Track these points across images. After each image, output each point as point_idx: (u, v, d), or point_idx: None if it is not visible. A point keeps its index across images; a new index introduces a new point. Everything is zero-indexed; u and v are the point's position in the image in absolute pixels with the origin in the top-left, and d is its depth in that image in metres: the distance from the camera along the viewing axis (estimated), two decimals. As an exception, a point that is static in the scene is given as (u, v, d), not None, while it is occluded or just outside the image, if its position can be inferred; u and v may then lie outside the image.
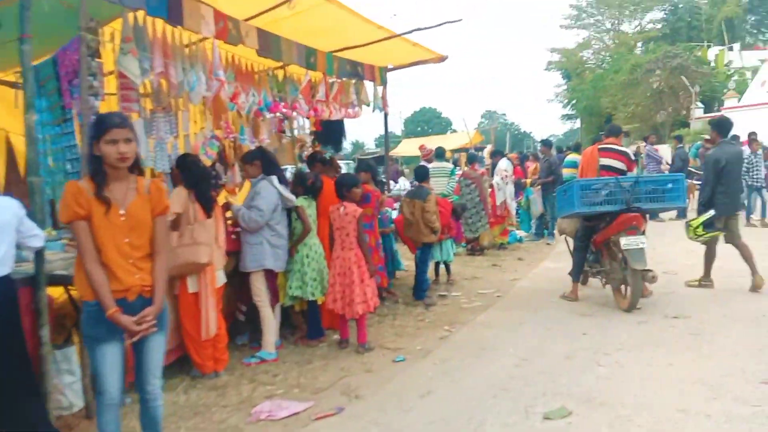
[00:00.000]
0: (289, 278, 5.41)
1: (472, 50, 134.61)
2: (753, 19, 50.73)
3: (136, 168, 2.95)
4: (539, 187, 11.34)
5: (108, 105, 4.93)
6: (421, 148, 11.10)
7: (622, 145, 6.57)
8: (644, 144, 14.38)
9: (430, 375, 4.58)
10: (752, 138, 11.53)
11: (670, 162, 14.29)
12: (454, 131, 45.53)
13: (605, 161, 6.33)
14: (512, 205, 10.56)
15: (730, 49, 42.64)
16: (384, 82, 8.04)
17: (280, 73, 6.54)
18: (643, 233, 5.95)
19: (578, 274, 6.65)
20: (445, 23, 6.30)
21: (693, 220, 6.62)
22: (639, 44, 47.37)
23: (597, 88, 39.51)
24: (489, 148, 19.02)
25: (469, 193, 10.11)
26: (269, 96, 5.89)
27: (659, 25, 47.91)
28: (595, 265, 6.57)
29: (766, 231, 10.87)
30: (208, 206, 4.44)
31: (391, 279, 7.41)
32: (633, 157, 6.39)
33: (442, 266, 8.07)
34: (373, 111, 7.81)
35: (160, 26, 4.69)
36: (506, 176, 10.47)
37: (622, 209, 5.87)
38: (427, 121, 74.11)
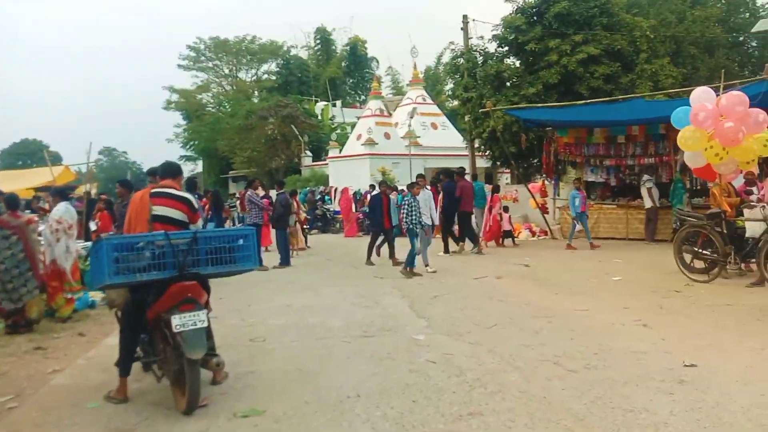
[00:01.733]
0: None
1: (88, 83, 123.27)
2: (351, 81, 57.97)
3: None
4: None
5: None
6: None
7: (182, 189, 5.06)
8: (247, 190, 13.63)
9: None
10: (412, 184, 11.50)
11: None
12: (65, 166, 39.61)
13: (159, 210, 4.72)
14: (66, 266, 8.00)
15: (334, 105, 47.56)
16: None
17: None
18: (205, 307, 4.49)
19: (127, 364, 4.79)
20: None
21: None
22: (256, 92, 49.19)
23: (215, 130, 39.15)
24: (87, 187, 15.97)
25: (9, 247, 7.42)
26: None
27: (274, 77, 50.69)
28: (150, 351, 4.84)
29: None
30: None
31: None
32: (197, 206, 4.92)
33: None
34: None
35: None
36: (59, 229, 7.91)
37: (174, 276, 4.32)
38: (30, 154, 65.45)
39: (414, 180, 11.91)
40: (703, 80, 17.32)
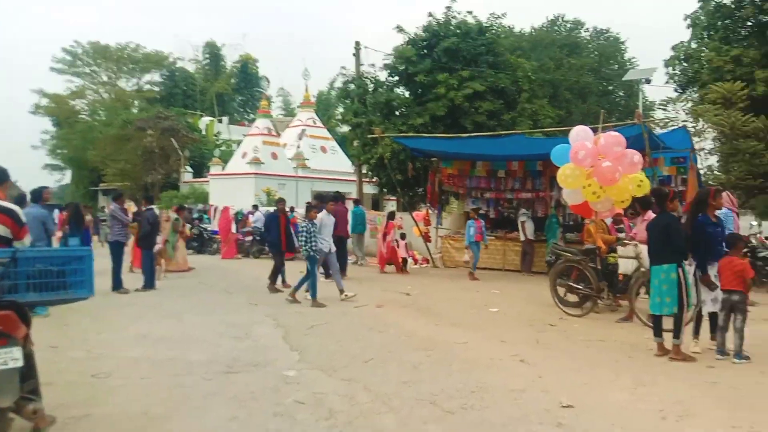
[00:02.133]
0: None
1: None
2: (240, 98, 56.57)
3: None
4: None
5: None
6: None
7: (7, 198, 4.24)
8: (111, 204, 12.41)
9: None
10: (308, 207, 10.74)
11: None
12: None
13: (-27, 222, 3.89)
14: None
15: (220, 121, 46.02)
16: None
17: None
18: (23, 343, 3.70)
19: None
20: None
21: None
22: (136, 102, 46.50)
23: (87, 139, 36.33)
24: None
25: None
26: None
27: (157, 88, 48.21)
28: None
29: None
30: None
31: None
32: (24, 220, 4.11)
33: None
34: None
35: None
36: None
37: (-16, 304, 3.52)
38: None
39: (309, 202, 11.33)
40: (577, 123, 18.25)
